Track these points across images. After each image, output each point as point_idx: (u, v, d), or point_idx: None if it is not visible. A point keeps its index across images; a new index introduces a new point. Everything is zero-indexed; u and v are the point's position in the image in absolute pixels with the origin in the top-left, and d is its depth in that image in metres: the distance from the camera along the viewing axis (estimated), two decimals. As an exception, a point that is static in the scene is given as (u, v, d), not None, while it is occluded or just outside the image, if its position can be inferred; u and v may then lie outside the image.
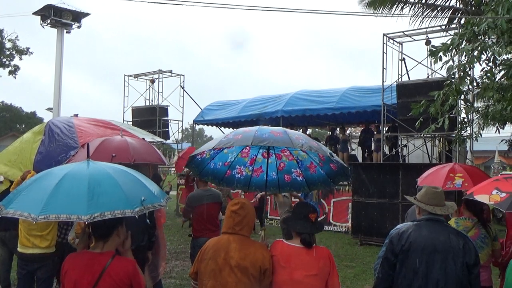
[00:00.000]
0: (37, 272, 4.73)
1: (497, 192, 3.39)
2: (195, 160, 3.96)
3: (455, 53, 5.60)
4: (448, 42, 5.63)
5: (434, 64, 5.78)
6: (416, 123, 6.79)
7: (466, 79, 5.82)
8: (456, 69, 5.68)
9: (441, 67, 5.76)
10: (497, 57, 5.42)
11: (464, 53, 5.44)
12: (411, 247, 2.95)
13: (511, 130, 8.80)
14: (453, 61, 5.70)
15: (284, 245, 3.11)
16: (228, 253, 2.97)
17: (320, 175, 4.11)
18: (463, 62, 5.64)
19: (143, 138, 5.90)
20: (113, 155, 4.62)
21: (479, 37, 5.32)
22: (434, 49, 5.68)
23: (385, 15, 12.86)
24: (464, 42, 5.49)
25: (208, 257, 3.00)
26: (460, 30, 5.69)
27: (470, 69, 5.83)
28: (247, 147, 4.14)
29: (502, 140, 10.05)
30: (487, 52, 5.36)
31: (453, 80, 5.87)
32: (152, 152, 5.36)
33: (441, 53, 5.54)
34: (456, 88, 5.79)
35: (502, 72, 5.72)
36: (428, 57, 6.02)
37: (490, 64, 5.63)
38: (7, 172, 5.58)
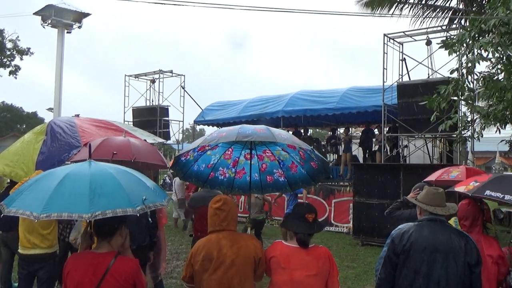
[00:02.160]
0: (39, 272, 4.71)
1: (473, 183, 3.67)
2: (179, 162, 3.99)
3: (464, 49, 5.60)
4: (455, 37, 5.65)
5: (449, 55, 5.75)
6: (432, 117, 6.64)
7: (472, 75, 5.83)
8: (464, 64, 5.70)
9: (449, 61, 5.78)
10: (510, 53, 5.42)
11: (476, 48, 5.43)
12: (412, 247, 2.96)
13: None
14: (461, 56, 5.70)
15: (283, 246, 3.12)
16: (220, 250, 2.98)
17: (302, 175, 4.19)
18: (470, 58, 5.63)
19: (145, 140, 5.91)
20: (114, 152, 4.62)
21: (486, 35, 5.33)
22: (447, 42, 5.69)
23: (384, 15, 12.87)
24: (468, 40, 5.48)
25: (200, 258, 3.00)
26: (468, 28, 5.66)
27: (476, 65, 5.80)
28: (230, 149, 4.19)
29: (501, 141, 10.03)
30: (499, 50, 5.36)
31: (460, 77, 5.88)
32: (154, 153, 5.37)
33: (451, 46, 5.55)
34: (461, 86, 5.80)
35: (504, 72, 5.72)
36: (442, 48, 5.94)
37: (503, 60, 5.62)
38: (11, 173, 5.58)
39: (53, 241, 4.75)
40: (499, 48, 5.22)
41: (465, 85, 5.92)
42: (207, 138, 3.44)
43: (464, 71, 5.99)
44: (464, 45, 5.59)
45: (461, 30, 6.01)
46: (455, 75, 6.10)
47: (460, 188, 3.76)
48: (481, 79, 6.00)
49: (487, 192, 3.43)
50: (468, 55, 5.79)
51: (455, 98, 6.19)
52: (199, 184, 4.38)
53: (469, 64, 5.70)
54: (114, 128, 6.22)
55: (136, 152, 4.86)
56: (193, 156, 4.00)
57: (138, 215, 2.52)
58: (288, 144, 3.83)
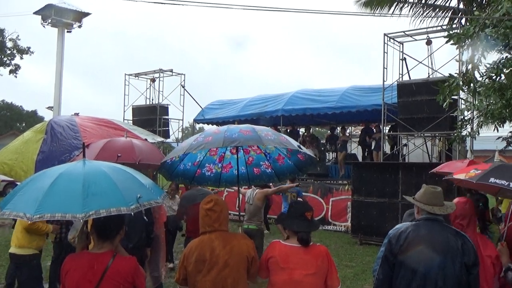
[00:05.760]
0: (16, 272, 4.84)
1: (473, 171, 3.64)
2: (165, 165, 4.01)
3: (469, 43, 5.59)
4: (460, 31, 5.64)
5: (457, 48, 5.73)
6: (445, 104, 6.47)
7: (477, 70, 5.82)
8: (469, 59, 5.69)
9: (453, 58, 5.78)
10: None
11: (480, 41, 5.40)
12: (410, 247, 2.94)
13: (510, 128, 8.81)
14: (465, 49, 5.70)
15: (281, 246, 3.11)
16: (213, 251, 2.97)
17: (289, 166, 4.26)
18: (474, 53, 5.62)
19: (146, 139, 5.91)
20: (119, 155, 4.64)
21: (490, 28, 5.32)
22: (451, 34, 5.68)
23: (384, 15, 12.86)
24: (473, 33, 5.47)
25: (193, 260, 2.98)
26: (472, 25, 5.65)
27: (482, 60, 5.78)
28: None
29: (499, 138, 10.05)
30: (509, 40, 5.34)
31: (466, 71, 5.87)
32: (157, 153, 5.38)
33: (455, 39, 5.54)
34: (468, 79, 5.79)
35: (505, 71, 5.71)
36: (446, 42, 5.93)
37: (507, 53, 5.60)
38: (10, 171, 5.56)
39: (25, 243, 4.78)
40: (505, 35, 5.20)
41: (472, 77, 5.89)
42: (193, 143, 3.41)
43: (470, 66, 5.98)
44: (469, 39, 5.57)
45: (464, 26, 6.00)
46: (456, 70, 6.10)
47: (460, 175, 3.71)
48: (488, 70, 5.96)
49: (492, 180, 3.38)
50: (469, 51, 5.79)
51: (455, 97, 6.18)
52: (186, 182, 4.43)
53: (476, 58, 5.68)
54: (114, 127, 6.19)
55: (140, 154, 4.88)
56: (178, 157, 4.02)
57: (132, 214, 2.51)
58: None
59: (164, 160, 3.99)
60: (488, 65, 5.83)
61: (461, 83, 5.90)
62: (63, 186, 2.48)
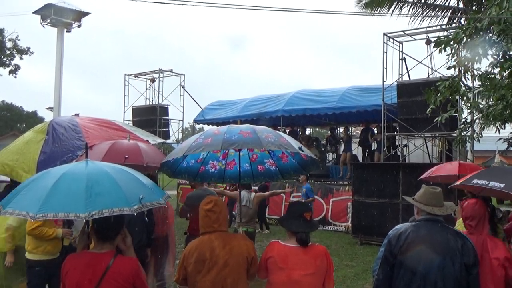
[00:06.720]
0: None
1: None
2: (167, 163, 4.02)
3: (460, 48, 5.59)
4: (450, 36, 5.65)
5: (439, 53, 5.75)
6: (428, 110, 6.51)
7: (468, 75, 5.83)
8: (461, 62, 5.70)
9: (447, 61, 5.77)
10: (508, 51, 5.42)
11: (469, 49, 5.42)
12: (409, 248, 2.94)
13: (511, 129, 8.82)
14: (456, 55, 5.70)
15: (280, 246, 3.12)
16: (213, 251, 2.99)
17: (292, 164, 4.30)
18: (466, 57, 5.62)
19: (147, 140, 5.91)
20: (126, 156, 4.65)
21: (481, 33, 5.33)
22: (440, 40, 5.70)
23: (384, 14, 12.89)
24: (465, 38, 5.48)
25: (193, 260, 3.00)
26: (464, 27, 5.66)
27: (474, 65, 5.79)
28: None
29: (500, 139, 10.06)
30: (494, 48, 5.36)
31: (457, 75, 5.88)
32: (160, 156, 5.40)
33: (444, 45, 5.55)
34: (457, 83, 5.81)
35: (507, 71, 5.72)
36: (434, 48, 5.95)
37: (500, 58, 5.61)
38: (12, 172, 5.56)
39: (31, 248, 4.72)
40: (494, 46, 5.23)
41: (461, 83, 5.92)
42: (193, 145, 3.42)
43: (462, 69, 5.99)
44: (462, 43, 5.59)
45: (458, 29, 6.01)
46: (452, 72, 6.12)
47: (458, 183, 3.81)
48: (478, 76, 5.98)
49: (474, 181, 3.47)
50: (463, 53, 5.80)
51: (451, 96, 6.17)
52: (190, 179, 4.46)
53: (466, 62, 5.70)
54: (115, 127, 6.17)
55: (147, 157, 4.89)
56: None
57: (135, 214, 2.50)
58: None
59: (165, 160, 4.00)
60: (478, 71, 5.85)
61: (447, 86, 5.92)
62: (66, 186, 2.47)
